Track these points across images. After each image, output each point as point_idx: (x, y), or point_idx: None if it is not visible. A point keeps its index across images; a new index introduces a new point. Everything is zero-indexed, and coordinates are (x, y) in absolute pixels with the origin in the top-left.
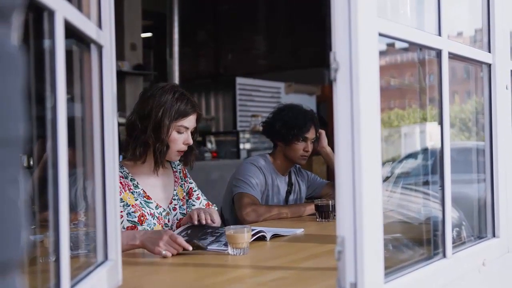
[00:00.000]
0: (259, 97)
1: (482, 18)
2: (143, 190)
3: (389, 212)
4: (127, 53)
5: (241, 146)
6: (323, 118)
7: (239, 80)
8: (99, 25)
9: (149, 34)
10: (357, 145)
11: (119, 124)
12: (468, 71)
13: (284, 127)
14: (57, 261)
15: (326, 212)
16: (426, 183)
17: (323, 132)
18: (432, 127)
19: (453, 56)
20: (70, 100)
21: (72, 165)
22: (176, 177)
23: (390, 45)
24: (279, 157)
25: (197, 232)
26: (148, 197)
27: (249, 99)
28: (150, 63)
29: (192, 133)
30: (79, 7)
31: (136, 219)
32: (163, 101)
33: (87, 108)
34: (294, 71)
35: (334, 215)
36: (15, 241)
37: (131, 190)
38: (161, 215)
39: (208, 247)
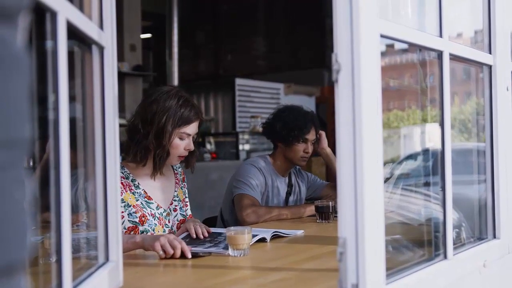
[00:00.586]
0: (259, 98)
1: (483, 19)
2: (144, 191)
3: (389, 213)
4: (127, 54)
5: (241, 147)
6: (322, 119)
7: (239, 81)
8: (101, 26)
9: (148, 35)
10: (359, 146)
11: (119, 125)
12: (467, 72)
13: (284, 128)
14: (59, 262)
15: (326, 213)
16: (426, 184)
17: (323, 133)
18: (431, 128)
19: (454, 58)
20: (72, 101)
21: (73, 165)
22: (177, 179)
23: (389, 46)
24: (279, 158)
25: (196, 239)
26: (149, 198)
27: (249, 100)
28: (150, 64)
29: (193, 138)
30: (81, 8)
31: (137, 220)
32: (167, 107)
33: (88, 109)
34: (294, 72)
35: (334, 216)
36: (21, 242)
37: (132, 191)
38: (162, 215)
39: (209, 250)
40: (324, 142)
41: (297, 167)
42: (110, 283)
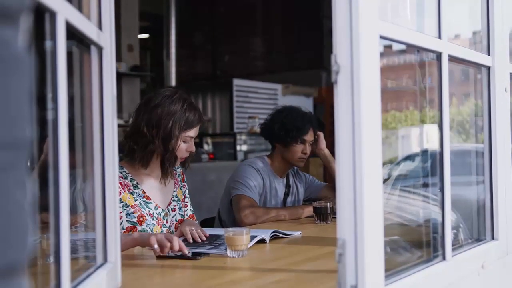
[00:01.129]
0: (256, 98)
1: (482, 20)
2: (143, 190)
3: (387, 214)
4: (124, 54)
5: (238, 147)
6: (320, 120)
7: (236, 82)
8: (100, 27)
9: (146, 35)
10: (358, 147)
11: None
12: (465, 73)
13: (282, 129)
14: (57, 263)
15: (324, 214)
16: (424, 185)
17: (321, 134)
18: (429, 129)
19: (452, 59)
20: (70, 101)
21: (71, 166)
22: (176, 179)
23: (387, 47)
24: (277, 159)
25: (195, 242)
26: (148, 197)
27: (246, 101)
28: (147, 65)
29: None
30: (79, 8)
31: (135, 220)
32: (173, 112)
33: (87, 109)
34: (291, 73)
35: (333, 217)
36: (22, 243)
37: (131, 191)
38: (160, 215)
39: (210, 251)
40: (322, 143)
41: (295, 168)
42: (109, 284)
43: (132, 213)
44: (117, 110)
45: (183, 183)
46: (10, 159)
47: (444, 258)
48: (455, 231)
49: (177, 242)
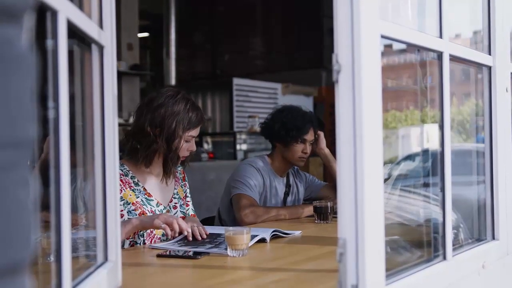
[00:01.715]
0: (256, 98)
1: (483, 20)
2: (144, 188)
3: (388, 214)
4: (124, 53)
5: (238, 147)
6: (320, 119)
7: (236, 81)
8: (100, 25)
9: (146, 34)
10: (359, 146)
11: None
12: (465, 72)
13: (283, 129)
14: (58, 262)
15: (324, 214)
16: (424, 185)
17: (321, 134)
18: (430, 129)
19: (453, 58)
20: (71, 99)
21: (71, 165)
22: (176, 177)
23: (387, 46)
24: (277, 159)
25: (195, 240)
26: (149, 195)
27: (246, 100)
28: (147, 63)
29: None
30: (81, 6)
31: None
32: (176, 112)
33: (88, 108)
34: (291, 72)
35: (333, 217)
36: (25, 242)
37: (132, 188)
38: (162, 212)
39: (210, 250)
40: (322, 142)
41: (295, 167)
42: (109, 283)
43: (133, 210)
44: (117, 109)
45: (184, 182)
46: (13, 158)
47: (444, 258)
48: (455, 231)
49: (180, 222)
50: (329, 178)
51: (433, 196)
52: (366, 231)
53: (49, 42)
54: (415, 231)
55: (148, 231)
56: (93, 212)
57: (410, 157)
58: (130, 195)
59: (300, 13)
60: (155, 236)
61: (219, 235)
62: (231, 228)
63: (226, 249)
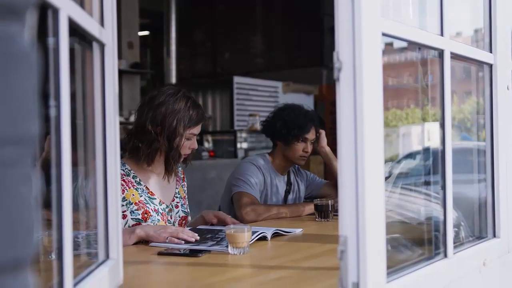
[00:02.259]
0: (257, 96)
1: (484, 18)
2: (146, 187)
3: (388, 212)
4: (124, 52)
5: (239, 145)
6: (321, 117)
7: (237, 79)
8: (101, 23)
9: (146, 33)
10: (360, 144)
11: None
12: (466, 71)
13: (284, 127)
14: (60, 260)
15: (325, 212)
16: (425, 183)
17: (322, 132)
18: (430, 127)
19: (454, 56)
20: (72, 97)
21: (73, 163)
22: (178, 177)
23: (388, 45)
24: (278, 157)
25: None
26: (152, 193)
27: (247, 98)
28: (147, 62)
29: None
30: (82, 4)
31: (139, 216)
32: (177, 110)
33: (89, 106)
34: (292, 71)
35: (334, 215)
36: (28, 238)
37: (135, 187)
38: (165, 211)
39: (211, 248)
40: (323, 141)
41: (296, 165)
42: (110, 280)
43: (136, 210)
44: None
45: (183, 182)
46: (16, 154)
47: (445, 256)
48: (456, 229)
49: (186, 231)
50: (330, 176)
51: (434, 194)
52: (367, 229)
53: (51, 40)
54: (416, 229)
55: (156, 222)
56: (95, 209)
57: (411, 155)
58: (133, 194)
59: (301, 11)
60: None
61: (220, 230)
62: (232, 226)
63: (227, 246)
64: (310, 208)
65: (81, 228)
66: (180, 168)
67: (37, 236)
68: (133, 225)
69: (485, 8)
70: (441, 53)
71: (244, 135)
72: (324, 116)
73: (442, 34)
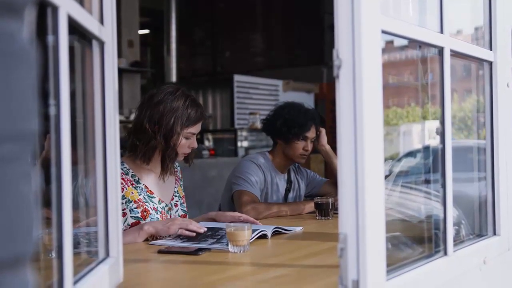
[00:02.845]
0: (257, 94)
1: (484, 15)
2: (145, 185)
3: (389, 210)
4: (125, 50)
5: (239, 143)
6: (322, 116)
7: (237, 78)
8: (101, 21)
9: (146, 31)
10: (360, 142)
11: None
12: (467, 68)
13: (284, 125)
14: (60, 257)
15: (325, 210)
16: (425, 181)
17: (323, 130)
18: (431, 125)
19: (454, 54)
20: (72, 96)
21: (73, 162)
22: (176, 176)
23: (388, 43)
24: (278, 155)
25: (197, 234)
26: (151, 192)
27: (247, 97)
28: (147, 60)
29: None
30: (81, 2)
31: (139, 215)
32: (175, 108)
33: (88, 105)
34: (292, 69)
35: (334, 213)
36: (27, 236)
37: (134, 185)
38: (164, 209)
39: (212, 246)
40: (324, 139)
41: (297, 164)
42: (111, 278)
43: (135, 208)
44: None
45: (181, 182)
46: (16, 151)
47: (445, 254)
48: (456, 227)
49: (194, 223)
50: (330, 174)
51: (434, 193)
52: (367, 227)
53: (50, 38)
54: (416, 227)
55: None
56: (95, 208)
57: (411, 154)
58: (133, 192)
59: (301, 10)
60: None
61: (220, 228)
62: (232, 224)
63: (227, 244)
64: (310, 206)
65: (81, 226)
66: (178, 167)
67: (37, 233)
68: (132, 224)
69: (485, 5)
70: (441, 50)
71: (244, 133)
72: (325, 114)
73: (442, 32)
